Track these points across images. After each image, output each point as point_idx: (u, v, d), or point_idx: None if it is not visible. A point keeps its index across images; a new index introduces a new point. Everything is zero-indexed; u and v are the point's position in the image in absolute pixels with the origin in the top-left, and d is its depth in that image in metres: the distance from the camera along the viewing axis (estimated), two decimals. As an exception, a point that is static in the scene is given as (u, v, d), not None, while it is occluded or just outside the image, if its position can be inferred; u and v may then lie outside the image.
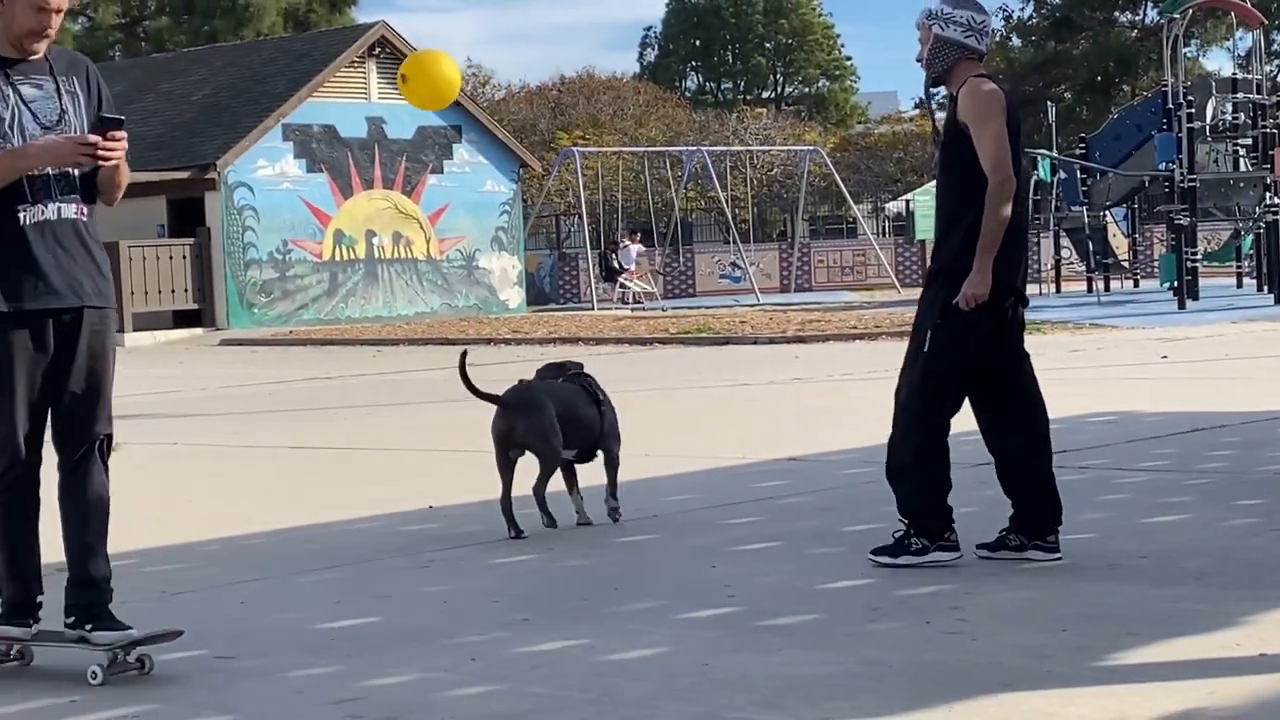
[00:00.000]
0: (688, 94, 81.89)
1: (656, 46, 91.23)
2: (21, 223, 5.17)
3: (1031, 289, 34.79)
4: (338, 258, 33.88)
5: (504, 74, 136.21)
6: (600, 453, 7.73)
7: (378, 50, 34.26)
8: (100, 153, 5.14)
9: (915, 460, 6.52)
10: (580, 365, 8.04)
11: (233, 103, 34.14)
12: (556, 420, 7.47)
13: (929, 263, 6.64)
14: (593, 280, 38.84)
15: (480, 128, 36.05)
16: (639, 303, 37.89)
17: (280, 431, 13.31)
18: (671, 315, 30.29)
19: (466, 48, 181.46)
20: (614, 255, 39.77)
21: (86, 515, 5.28)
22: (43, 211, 5.20)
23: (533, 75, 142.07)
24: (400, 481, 9.80)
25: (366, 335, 28.42)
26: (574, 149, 42.96)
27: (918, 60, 6.77)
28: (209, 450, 12.08)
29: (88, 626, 5.22)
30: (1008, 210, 6.34)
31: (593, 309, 36.14)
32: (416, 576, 6.74)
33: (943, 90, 6.88)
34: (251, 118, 32.99)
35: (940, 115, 6.93)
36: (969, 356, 6.49)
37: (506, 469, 7.54)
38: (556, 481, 7.58)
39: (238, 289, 32.29)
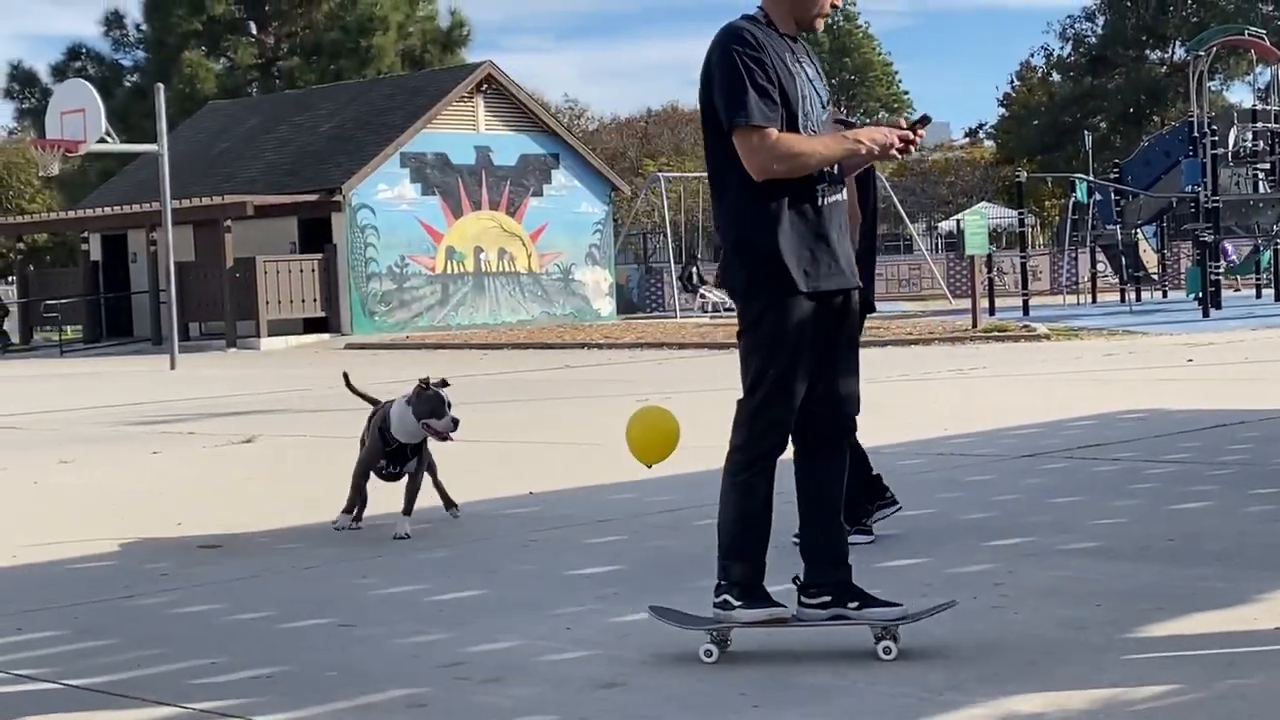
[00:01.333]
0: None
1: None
2: (820, 203, 4.71)
3: (1070, 299, 34.50)
4: (449, 271, 34.05)
5: (598, 107, 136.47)
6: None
7: (485, 87, 34.42)
8: (911, 146, 4.73)
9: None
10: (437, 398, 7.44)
11: (356, 133, 34.38)
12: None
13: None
14: (675, 291, 38.83)
15: (576, 155, 36.14)
16: (717, 311, 37.84)
17: (398, 425, 13.37)
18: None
19: (564, 84, 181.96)
20: (694, 269, 39.72)
21: (839, 493, 4.89)
22: (834, 193, 4.76)
23: (623, 108, 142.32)
24: (504, 469, 9.85)
25: (475, 340, 28.54)
26: (659, 174, 42.96)
27: None
28: (336, 441, 12.14)
29: (852, 605, 4.76)
30: None
31: (676, 317, 36.13)
32: (518, 554, 6.76)
33: None
34: (373, 147, 33.22)
35: None
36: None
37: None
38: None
39: (360, 299, 32.49)
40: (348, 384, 8.13)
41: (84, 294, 35.53)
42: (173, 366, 24.48)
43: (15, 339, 37.01)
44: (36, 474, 10.47)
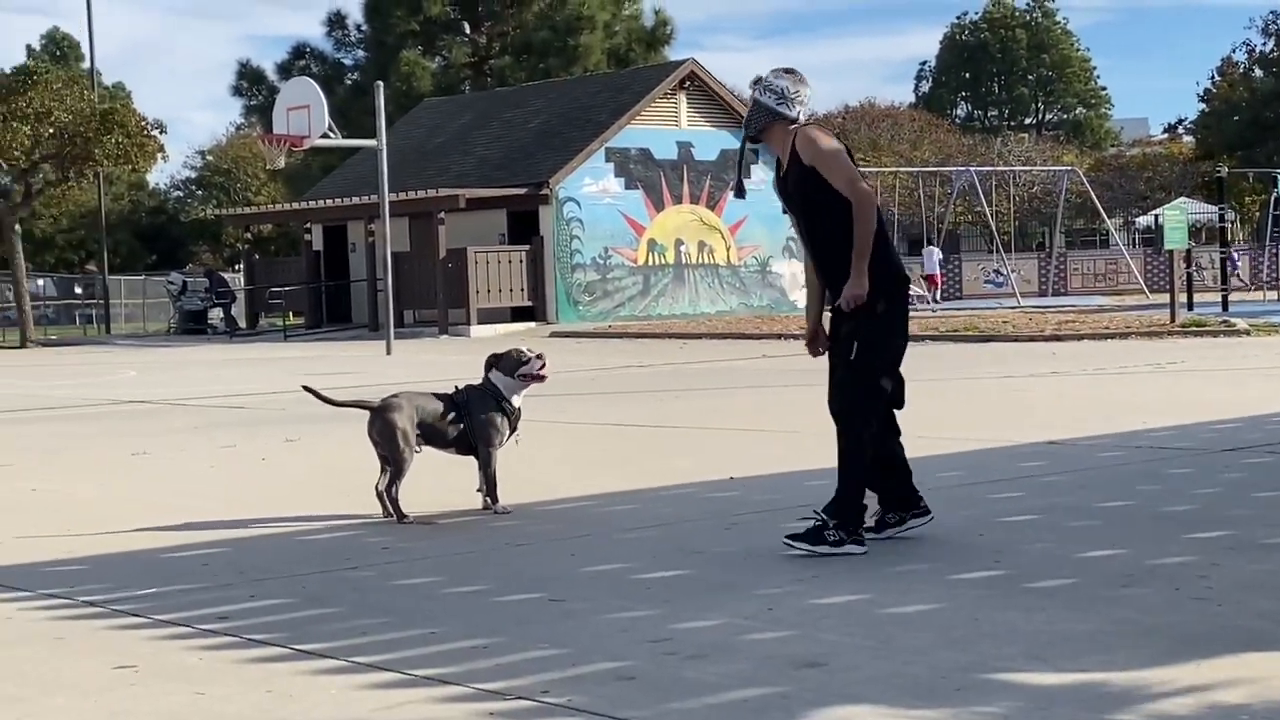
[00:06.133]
0: (957, 121, 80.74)
1: (930, 79, 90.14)
2: None
3: (1270, 294, 33.44)
4: (650, 263, 34.21)
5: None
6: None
7: (687, 84, 34.52)
8: None
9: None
10: (514, 353, 7.69)
11: (563, 129, 34.72)
12: (412, 426, 7.33)
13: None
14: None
15: (774, 151, 36.02)
16: (911, 304, 37.48)
17: (602, 411, 13.51)
18: (941, 315, 29.86)
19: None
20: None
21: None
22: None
23: (820, 105, 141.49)
24: (705, 455, 9.87)
25: (674, 330, 28.64)
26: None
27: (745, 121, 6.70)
28: (543, 426, 12.29)
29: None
30: (873, 224, 6.20)
31: (870, 309, 35.84)
32: (721, 536, 6.78)
33: (760, 147, 6.72)
34: (579, 142, 33.52)
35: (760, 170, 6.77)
36: (892, 349, 6.38)
37: (381, 462, 7.47)
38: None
39: (565, 289, 32.83)
40: (320, 396, 7.82)
41: (306, 282, 36.46)
42: (389, 351, 25.00)
43: (242, 324, 38.15)
44: (264, 451, 10.79)
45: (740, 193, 6.98)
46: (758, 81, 6.53)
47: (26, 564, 6.54)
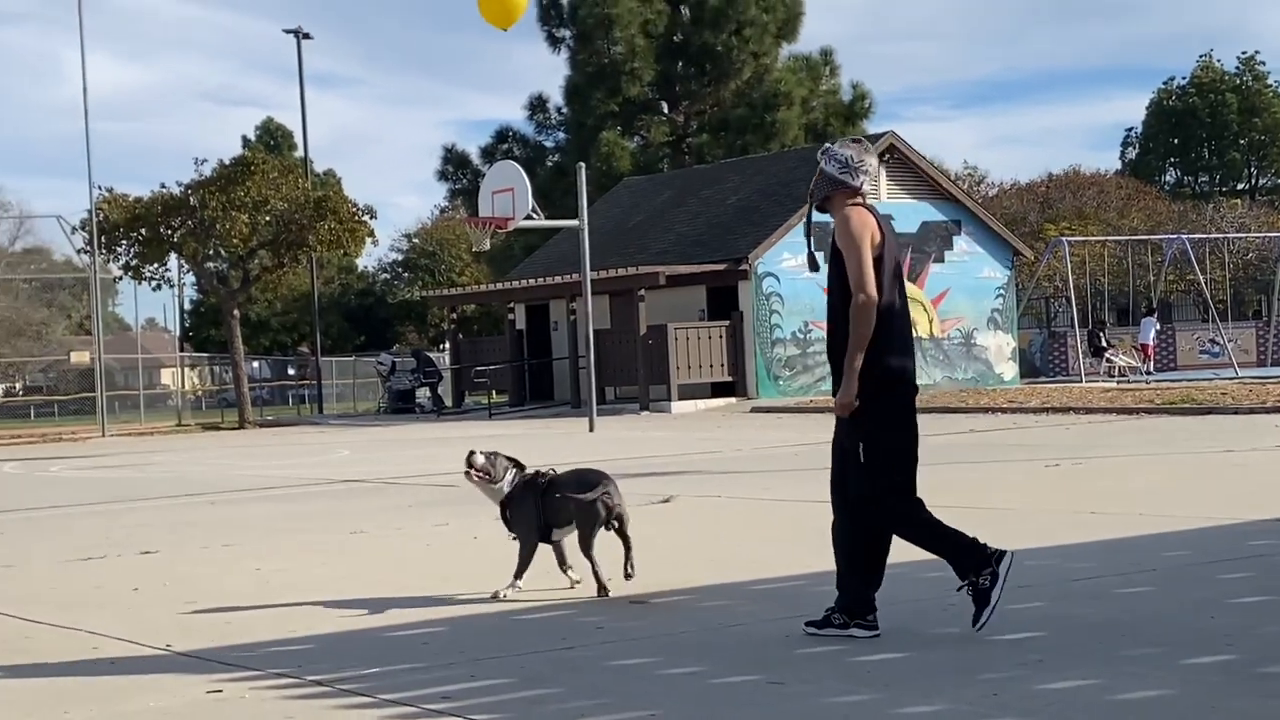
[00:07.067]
0: (1166, 187, 79.08)
1: (1137, 145, 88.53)
2: None
3: None
4: (852, 337, 34.02)
5: (997, 173, 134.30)
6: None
7: (886, 157, 34.40)
8: None
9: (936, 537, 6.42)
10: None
11: (762, 204, 34.83)
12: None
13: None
14: (1080, 355, 37.80)
15: (977, 221, 35.70)
16: (1124, 375, 36.65)
17: (806, 487, 13.41)
18: (1155, 386, 29.14)
19: (964, 151, 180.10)
20: (1101, 333, 38.63)
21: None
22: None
23: (1023, 173, 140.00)
24: (917, 533, 9.72)
25: (878, 404, 28.33)
26: (1062, 238, 42.02)
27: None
28: (748, 503, 12.30)
29: None
30: (870, 328, 6.13)
31: (1081, 381, 35.15)
32: (939, 618, 6.68)
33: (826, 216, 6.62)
34: (778, 217, 33.58)
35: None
36: (901, 450, 6.39)
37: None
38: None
39: (765, 363, 32.81)
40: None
41: (509, 360, 37.03)
42: (591, 428, 25.22)
43: (448, 402, 38.86)
44: (475, 529, 10.95)
45: (813, 266, 6.90)
46: (824, 151, 6.60)
47: (255, 643, 6.72)
